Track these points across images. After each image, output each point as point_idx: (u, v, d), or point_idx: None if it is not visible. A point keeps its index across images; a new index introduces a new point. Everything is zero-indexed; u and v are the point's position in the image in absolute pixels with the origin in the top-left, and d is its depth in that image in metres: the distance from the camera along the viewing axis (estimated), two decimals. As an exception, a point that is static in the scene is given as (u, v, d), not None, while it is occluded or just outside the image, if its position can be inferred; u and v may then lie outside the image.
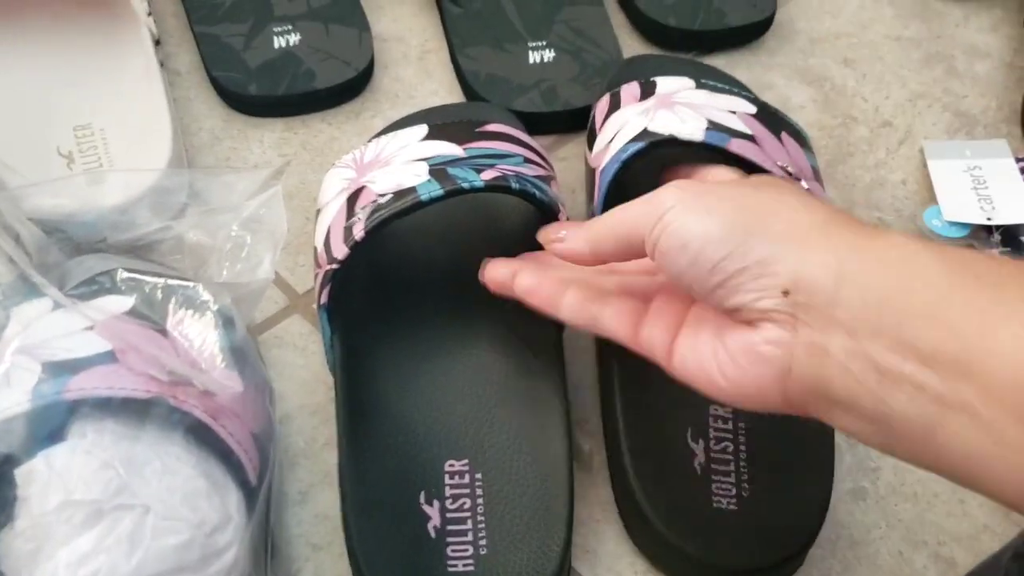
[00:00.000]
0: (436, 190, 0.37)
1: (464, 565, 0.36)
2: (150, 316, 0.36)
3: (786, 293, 0.29)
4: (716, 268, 0.30)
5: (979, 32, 0.56)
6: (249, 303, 0.39)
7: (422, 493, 0.37)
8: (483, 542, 0.37)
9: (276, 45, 0.51)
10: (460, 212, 0.42)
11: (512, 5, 0.53)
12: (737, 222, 0.30)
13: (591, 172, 0.43)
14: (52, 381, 0.32)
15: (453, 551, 0.37)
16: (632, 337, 0.33)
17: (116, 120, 0.47)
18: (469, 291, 0.37)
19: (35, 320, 0.34)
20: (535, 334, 0.40)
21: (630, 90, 0.43)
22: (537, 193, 0.38)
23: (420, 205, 0.37)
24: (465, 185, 0.37)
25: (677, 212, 0.31)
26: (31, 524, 0.30)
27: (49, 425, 0.32)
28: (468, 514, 0.37)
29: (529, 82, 0.51)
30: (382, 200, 0.38)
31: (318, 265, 0.39)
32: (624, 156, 0.39)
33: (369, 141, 0.42)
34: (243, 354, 0.36)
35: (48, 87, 0.48)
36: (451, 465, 0.38)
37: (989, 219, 0.46)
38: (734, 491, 0.38)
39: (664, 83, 0.43)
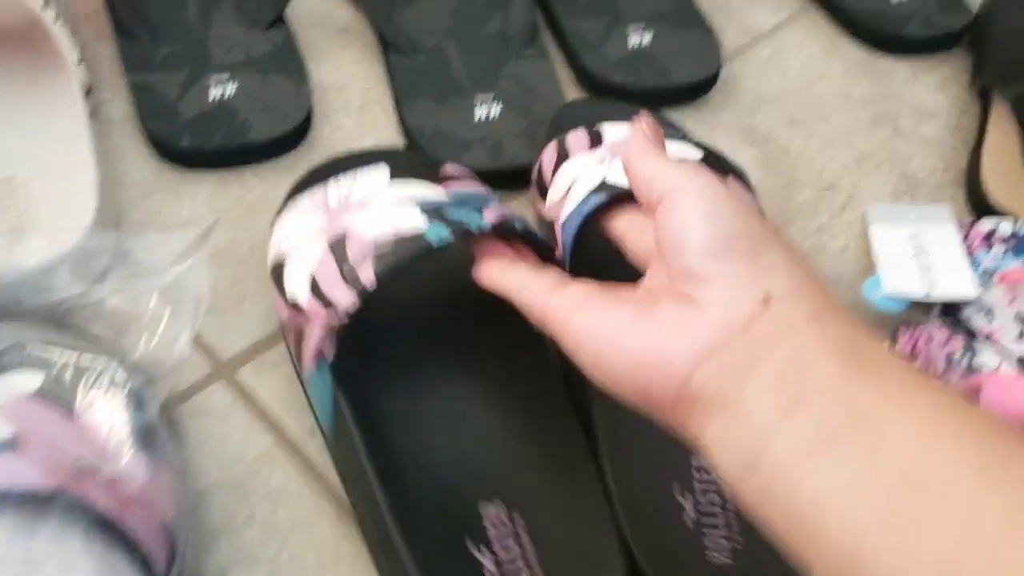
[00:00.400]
0: (445, 234, 0.36)
1: None
2: (59, 396, 0.35)
3: (766, 300, 0.29)
4: (717, 246, 0.30)
5: (927, 91, 0.56)
6: (165, 379, 0.38)
7: (467, 539, 0.36)
8: None
9: (212, 96, 0.49)
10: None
11: (457, 56, 0.53)
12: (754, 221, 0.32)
13: (548, 224, 0.42)
14: None
15: None
16: (544, 296, 0.33)
17: (41, 173, 0.46)
18: (465, 330, 0.38)
19: None
20: (538, 366, 0.39)
21: (577, 138, 0.44)
22: (539, 237, 0.39)
23: (431, 250, 0.36)
24: (473, 228, 0.37)
25: (713, 185, 0.32)
26: None
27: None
28: (521, 562, 0.36)
29: (474, 137, 0.50)
30: (384, 245, 0.36)
31: (301, 316, 0.37)
32: (586, 210, 0.39)
33: (312, 183, 0.41)
34: (155, 437, 0.35)
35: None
36: (487, 509, 0.37)
37: (929, 293, 0.46)
38: (727, 544, 0.37)
39: (611, 131, 0.43)
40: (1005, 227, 0.49)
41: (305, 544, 0.39)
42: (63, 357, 0.36)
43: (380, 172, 0.40)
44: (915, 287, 0.46)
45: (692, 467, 0.38)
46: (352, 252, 0.37)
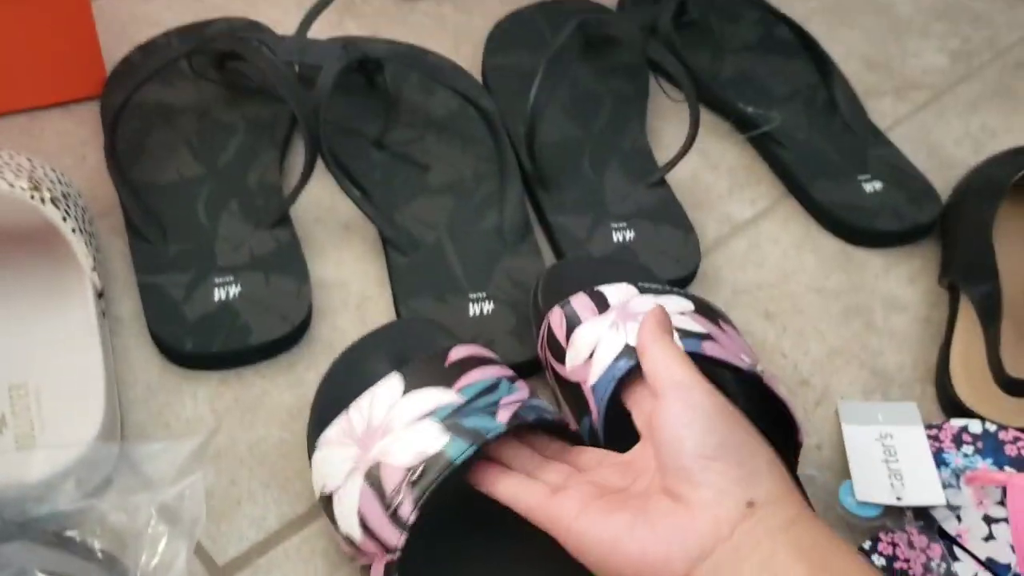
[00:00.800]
0: (466, 448, 0.39)
1: None
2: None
3: (750, 504, 0.34)
4: (708, 450, 0.35)
5: (898, 284, 0.59)
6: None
7: None
8: None
9: (216, 297, 0.52)
10: None
11: (455, 255, 0.56)
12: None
13: (571, 385, 0.46)
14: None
15: None
16: (542, 502, 0.38)
17: (51, 381, 0.48)
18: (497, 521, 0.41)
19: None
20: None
21: (582, 302, 0.48)
22: (549, 416, 0.43)
23: (456, 469, 0.39)
24: (491, 436, 0.40)
25: (710, 394, 0.37)
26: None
27: None
28: None
29: (468, 335, 0.52)
30: (414, 474, 0.39)
31: (361, 553, 0.41)
32: (618, 374, 0.43)
33: (335, 411, 0.43)
34: None
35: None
36: None
37: (899, 499, 0.47)
38: None
39: (611, 293, 0.48)
40: (975, 427, 0.51)
41: None
42: (64, 584, 0.38)
43: (394, 385, 0.43)
44: (885, 495, 0.48)
45: None
46: (388, 485, 0.40)
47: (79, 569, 0.39)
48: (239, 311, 0.52)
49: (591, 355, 0.45)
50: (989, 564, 0.47)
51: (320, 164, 0.56)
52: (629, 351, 0.44)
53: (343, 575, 0.45)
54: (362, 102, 0.62)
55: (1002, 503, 0.48)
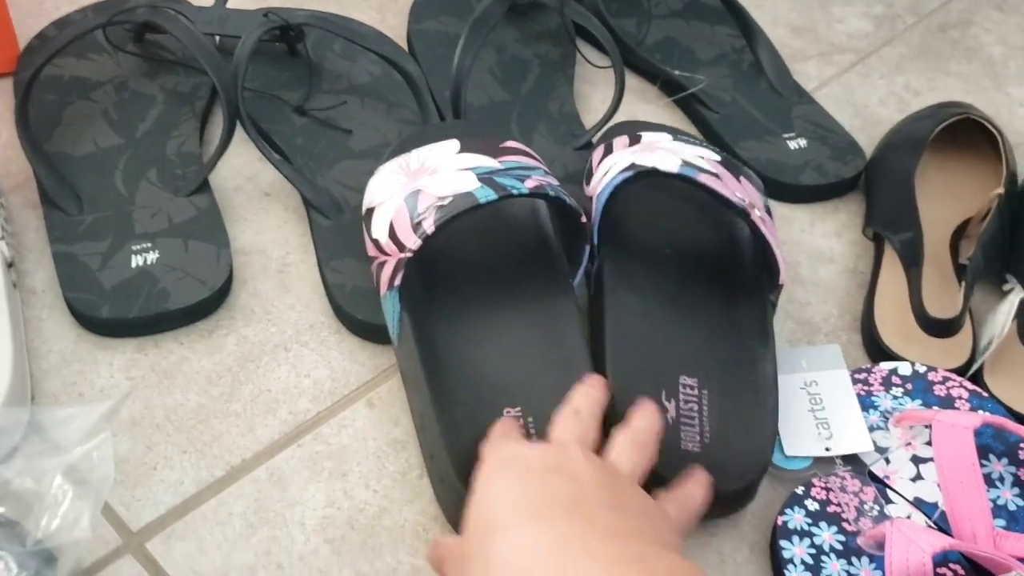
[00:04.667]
0: (491, 195, 0.46)
1: None
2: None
3: None
4: None
5: (824, 238, 0.59)
6: (65, 558, 0.38)
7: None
8: None
9: (133, 264, 0.51)
10: (489, 212, 0.50)
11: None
12: None
13: (587, 200, 0.53)
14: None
15: None
16: None
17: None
18: (499, 274, 0.50)
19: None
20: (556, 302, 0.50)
21: (621, 140, 0.55)
22: (567, 200, 0.48)
23: (479, 206, 0.46)
24: (513, 191, 0.47)
25: None
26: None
27: None
28: None
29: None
30: (444, 202, 0.47)
31: (383, 254, 0.48)
32: (616, 181, 0.50)
33: (399, 153, 0.51)
34: None
35: None
36: (508, 411, 0.46)
37: (827, 449, 0.47)
38: (698, 438, 0.46)
39: (648, 136, 0.55)
40: (904, 369, 0.51)
41: None
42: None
43: (451, 146, 0.51)
44: (813, 446, 0.48)
45: (679, 382, 0.48)
46: (420, 206, 0.48)
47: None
48: (157, 277, 0.51)
49: (606, 172, 0.52)
50: (917, 503, 0.47)
51: (242, 134, 0.55)
52: (634, 167, 0.50)
53: (260, 537, 0.44)
54: (284, 70, 0.61)
55: (930, 443, 0.48)
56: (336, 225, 0.54)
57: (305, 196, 0.55)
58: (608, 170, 0.52)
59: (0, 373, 0.45)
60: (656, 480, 0.43)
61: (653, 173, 0.50)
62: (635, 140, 0.54)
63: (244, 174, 0.58)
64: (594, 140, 0.59)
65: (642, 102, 0.65)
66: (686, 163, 0.50)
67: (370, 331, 0.51)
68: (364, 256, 0.52)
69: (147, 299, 0.50)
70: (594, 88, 0.65)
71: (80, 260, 0.51)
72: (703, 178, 0.49)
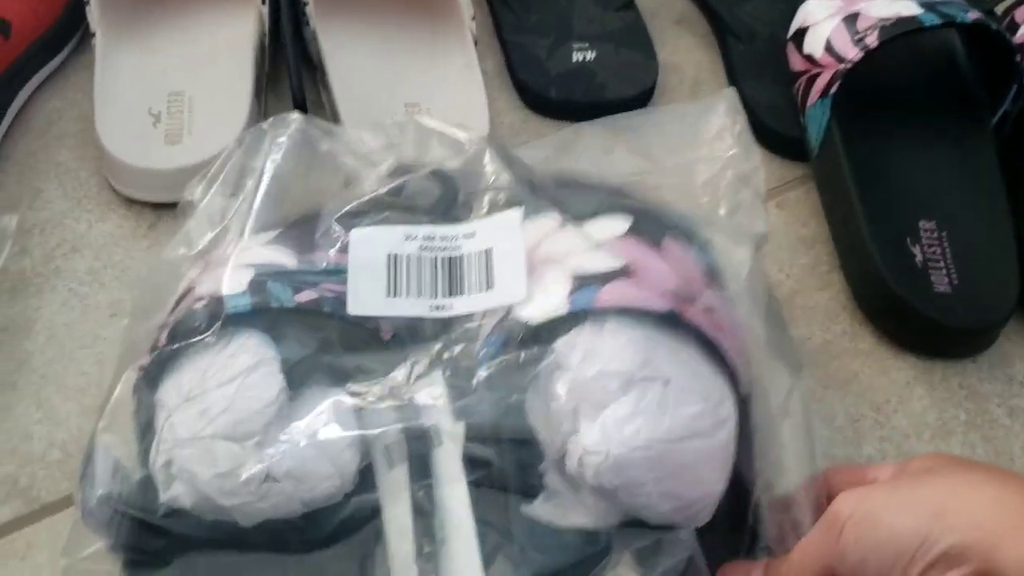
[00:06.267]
0: (935, 19, 0.50)
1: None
2: (647, 235, 0.38)
3: None
4: (906, 560, 0.31)
5: None
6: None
7: (908, 240, 0.50)
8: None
9: (575, 59, 0.58)
10: (914, 43, 0.55)
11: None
12: (920, 514, 0.32)
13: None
14: (584, 291, 0.35)
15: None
16: None
17: (439, 101, 0.55)
18: (917, 101, 0.54)
19: (549, 234, 0.38)
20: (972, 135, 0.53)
21: None
22: (1006, 36, 0.51)
23: (922, 30, 0.51)
24: (958, 19, 0.51)
25: (855, 523, 0.33)
26: (570, 388, 0.34)
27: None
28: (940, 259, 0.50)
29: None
30: (887, 23, 0.51)
31: (816, 67, 0.53)
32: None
33: None
34: (717, 276, 0.38)
35: (386, 70, 0.56)
36: (923, 223, 0.50)
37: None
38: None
39: None
40: None
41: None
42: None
43: None
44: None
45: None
46: (860, 25, 0.52)
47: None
48: (595, 72, 0.57)
49: None
50: None
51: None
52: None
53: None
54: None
55: None
56: (750, 49, 0.59)
57: (723, 20, 0.60)
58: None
59: (479, 117, 0.53)
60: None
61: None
62: None
63: (659, 1, 0.63)
64: None
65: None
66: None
67: (784, 143, 0.56)
68: (778, 78, 0.57)
69: (588, 88, 0.57)
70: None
71: (528, 50, 0.58)
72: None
